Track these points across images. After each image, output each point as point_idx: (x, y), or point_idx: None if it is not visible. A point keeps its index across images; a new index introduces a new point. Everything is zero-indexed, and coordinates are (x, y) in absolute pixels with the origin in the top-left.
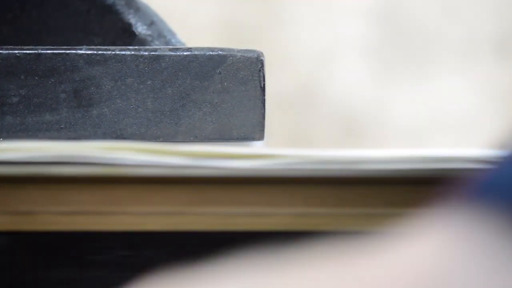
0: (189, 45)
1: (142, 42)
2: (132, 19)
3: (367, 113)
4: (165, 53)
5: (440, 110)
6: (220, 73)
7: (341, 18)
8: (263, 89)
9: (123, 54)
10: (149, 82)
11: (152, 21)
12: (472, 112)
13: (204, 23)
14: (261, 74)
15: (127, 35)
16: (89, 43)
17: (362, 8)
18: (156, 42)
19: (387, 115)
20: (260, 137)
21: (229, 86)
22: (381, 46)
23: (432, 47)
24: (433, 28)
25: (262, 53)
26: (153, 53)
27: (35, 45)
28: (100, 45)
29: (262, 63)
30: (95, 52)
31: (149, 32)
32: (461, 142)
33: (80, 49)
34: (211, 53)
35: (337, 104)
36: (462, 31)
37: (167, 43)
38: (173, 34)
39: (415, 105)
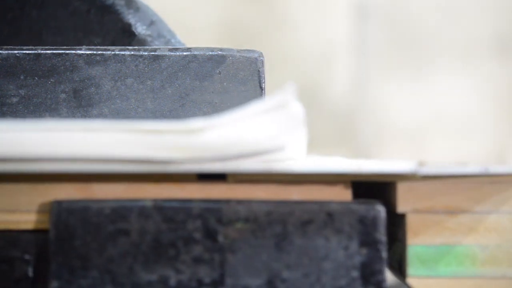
0: (189, 45)
1: (141, 42)
2: (131, 19)
3: (367, 114)
4: (165, 53)
5: (440, 111)
6: (219, 73)
7: (341, 18)
8: (263, 89)
9: (122, 54)
10: (148, 82)
11: (151, 21)
12: (472, 113)
13: (204, 23)
14: (261, 75)
15: (127, 35)
16: (88, 43)
17: (362, 8)
18: (156, 42)
19: (386, 115)
20: None
21: (228, 86)
22: (381, 46)
23: (432, 47)
24: (433, 28)
25: (262, 53)
26: (153, 53)
27: (35, 45)
28: (100, 45)
29: (262, 63)
30: (94, 52)
31: (148, 32)
32: (461, 143)
33: (80, 49)
34: (210, 53)
35: (337, 104)
36: (462, 31)
37: (166, 43)
38: (173, 34)
39: (415, 105)
